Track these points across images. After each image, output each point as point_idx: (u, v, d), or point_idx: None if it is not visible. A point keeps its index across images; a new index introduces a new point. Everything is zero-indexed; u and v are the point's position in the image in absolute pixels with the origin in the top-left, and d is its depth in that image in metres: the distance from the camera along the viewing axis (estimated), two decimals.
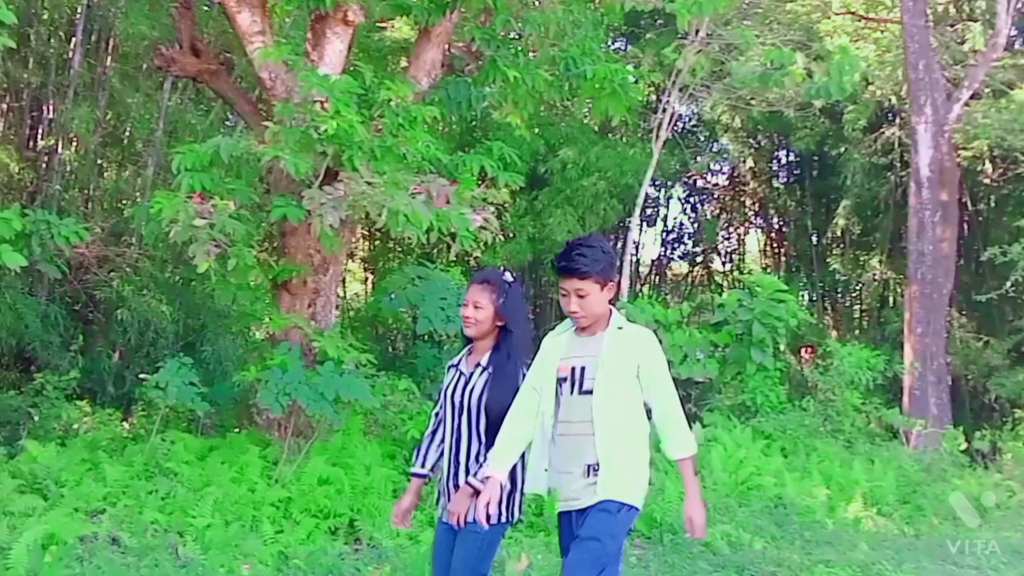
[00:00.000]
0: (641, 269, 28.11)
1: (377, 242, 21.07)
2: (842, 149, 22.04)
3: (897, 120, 21.13)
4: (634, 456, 4.48)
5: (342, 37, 9.99)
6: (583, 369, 4.49)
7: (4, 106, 15.23)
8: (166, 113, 14.82)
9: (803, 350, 17.79)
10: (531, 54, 11.47)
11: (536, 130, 18.17)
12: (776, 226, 28.00)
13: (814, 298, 25.52)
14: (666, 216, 28.23)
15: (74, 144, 14.99)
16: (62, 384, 11.13)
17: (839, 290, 26.57)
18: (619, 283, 4.30)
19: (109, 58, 15.42)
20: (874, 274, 24.31)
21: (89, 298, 13.84)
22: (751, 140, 25.72)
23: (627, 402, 4.47)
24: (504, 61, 10.55)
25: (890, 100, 20.73)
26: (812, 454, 11.60)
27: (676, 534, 8.76)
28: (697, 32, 16.02)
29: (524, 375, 4.68)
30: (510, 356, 4.70)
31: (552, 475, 4.60)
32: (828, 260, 25.32)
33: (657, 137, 17.15)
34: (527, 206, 18.53)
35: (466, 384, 4.75)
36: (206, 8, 12.22)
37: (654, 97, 20.57)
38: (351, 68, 10.15)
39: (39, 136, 15.46)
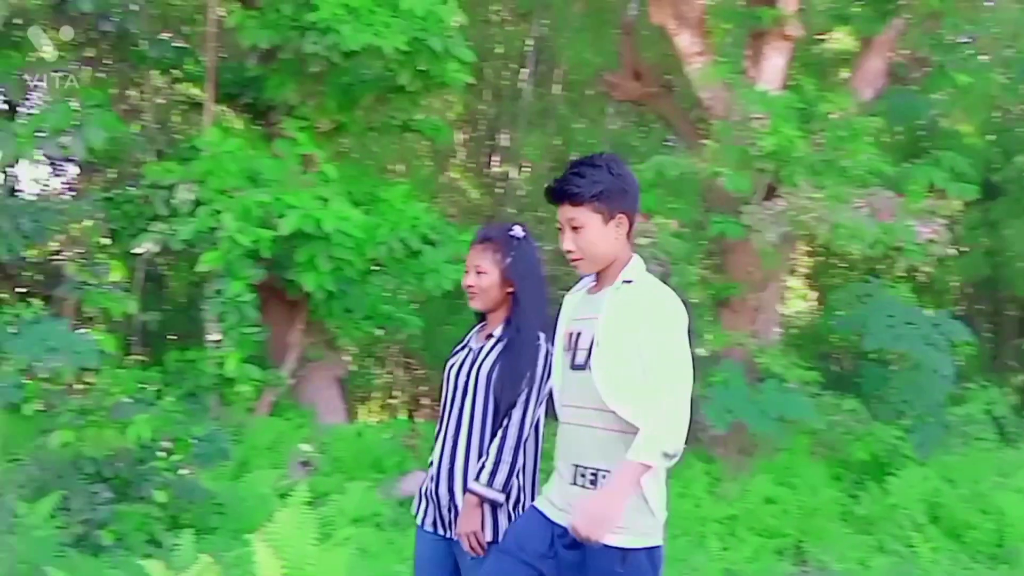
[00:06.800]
0: None
1: (820, 258, 20.67)
2: None
3: None
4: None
5: (781, 52, 9.98)
6: (578, 336, 3.36)
7: (464, 136, 16.36)
8: (610, 137, 15.34)
9: None
10: (982, 57, 10.94)
11: (989, 137, 17.23)
12: None
13: None
14: None
15: (526, 169, 15.85)
16: None
17: None
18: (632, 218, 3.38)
19: (557, 86, 16.21)
20: None
21: None
22: None
23: (635, 383, 3.18)
24: (953, 66, 10.15)
25: None
26: None
27: None
28: None
29: (548, 351, 3.61)
30: (520, 329, 3.65)
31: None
32: None
33: None
34: (981, 217, 17.53)
35: (474, 361, 3.73)
36: (646, 32, 12.55)
37: None
38: (790, 83, 10.12)
39: (494, 162, 16.51)
